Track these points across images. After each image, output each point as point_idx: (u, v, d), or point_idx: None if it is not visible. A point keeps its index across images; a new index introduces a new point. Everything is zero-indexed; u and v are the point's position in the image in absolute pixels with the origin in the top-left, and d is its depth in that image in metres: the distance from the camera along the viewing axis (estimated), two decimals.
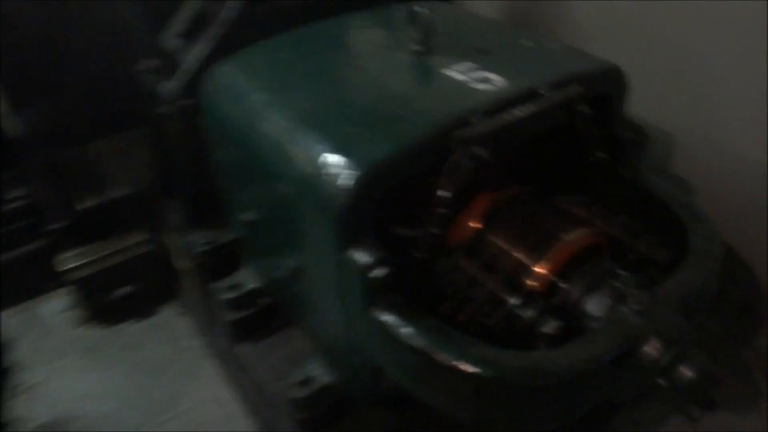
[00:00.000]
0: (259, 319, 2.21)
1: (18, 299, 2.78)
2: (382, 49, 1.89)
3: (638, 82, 1.75)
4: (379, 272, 1.40)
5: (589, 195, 1.77)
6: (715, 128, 2.33)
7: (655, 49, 2.41)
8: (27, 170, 2.70)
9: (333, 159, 1.43)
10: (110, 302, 2.68)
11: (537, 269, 1.50)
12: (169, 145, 2.32)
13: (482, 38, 1.86)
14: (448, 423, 1.69)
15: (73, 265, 2.59)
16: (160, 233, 2.70)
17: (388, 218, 1.55)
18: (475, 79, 1.62)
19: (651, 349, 1.32)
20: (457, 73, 1.65)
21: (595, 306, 1.44)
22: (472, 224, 1.63)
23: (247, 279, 2.20)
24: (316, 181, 1.44)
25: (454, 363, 1.30)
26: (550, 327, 1.39)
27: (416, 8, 1.72)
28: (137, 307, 2.73)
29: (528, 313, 1.42)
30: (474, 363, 1.30)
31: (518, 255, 1.54)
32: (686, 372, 1.29)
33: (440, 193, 1.46)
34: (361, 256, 1.40)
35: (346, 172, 1.39)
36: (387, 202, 1.44)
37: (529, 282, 1.50)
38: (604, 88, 1.71)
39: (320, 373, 1.88)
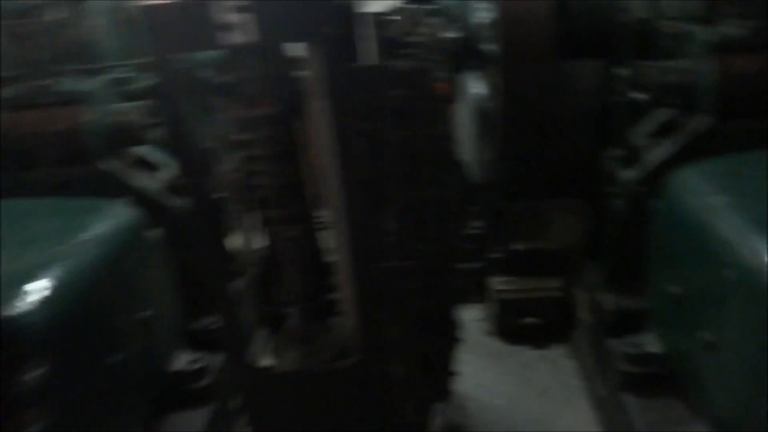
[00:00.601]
0: (651, 380, 2.58)
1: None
2: None
3: None
4: None
5: None
6: None
7: None
8: (483, 210, 3.57)
9: None
10: (517, 326, 3.34)
11: None
12: (615, 218, 2.88)
13: None
14: None
15: (500, 288, 3.33)
16: (574, 285, 3.28)
17: None
18: None
19: None
20: None
21: None
22: None
23: (650, 343, 2.60)
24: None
25: None
26: None
27: None
28: (535, 338, 3.34)
29: None
30: None
31: None
32: None
33: None
34: None
35: None
36: None
37: None
38: None
39: None
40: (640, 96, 2.71)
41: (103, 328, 2.18)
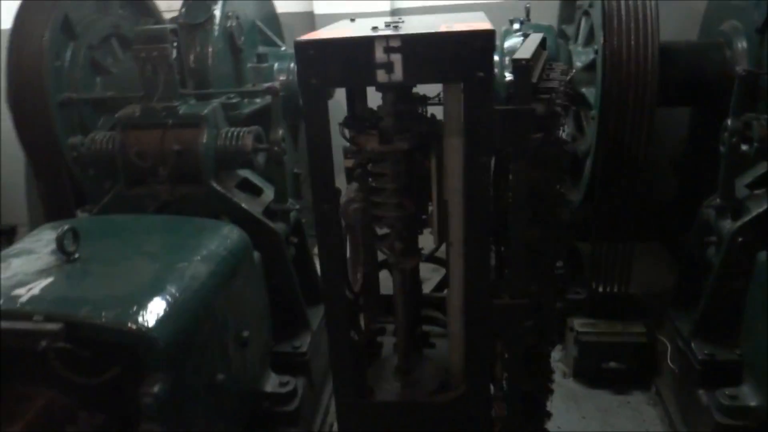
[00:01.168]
0: None
1: None
2: None
3: None
4: None
5: None
6: None
7: None
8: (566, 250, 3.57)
9: None
10: (597, 369, 3.30)
11: None
12: (711, 267, 2.85)
13: None
14: None
15: (582, 330, 3.31)
16: (657, 331, 3.23)
17: None
18: None
19: None
20: None
21: None
22: None
23: (747, 395, 2.54)
24: None
25: None
26: None
27: None
28: (615, 382, 3.29)
29: None
30: None
31: None
32: None
33: None
34: None
35: None
36: None
37: None
38: None
39: None
40: (744, 147, 2.69)
41: (215, 346, 2.26)
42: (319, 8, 4.52)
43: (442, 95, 2.15)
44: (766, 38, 3.12)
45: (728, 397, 2.58)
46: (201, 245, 2.38)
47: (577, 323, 3.35)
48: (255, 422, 2.66)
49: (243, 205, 2.84)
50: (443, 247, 2.11)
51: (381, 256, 2.43)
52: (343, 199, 2.03)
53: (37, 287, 2.02)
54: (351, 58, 1.68)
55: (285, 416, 2.72)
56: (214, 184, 2.82)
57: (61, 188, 3.46)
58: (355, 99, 2.20)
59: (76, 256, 2.19)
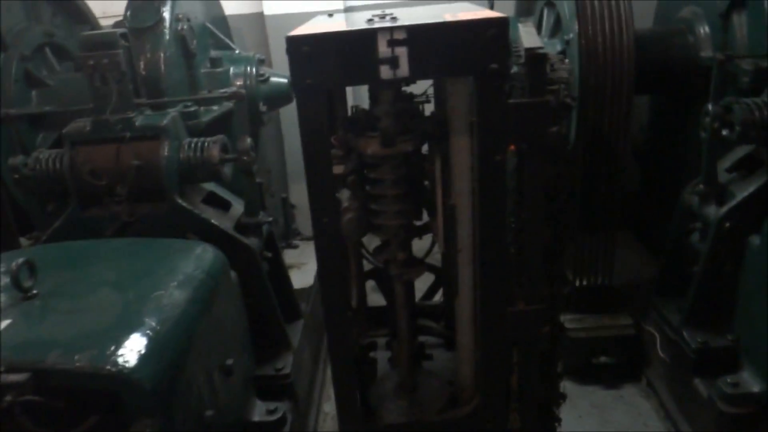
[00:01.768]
0: (751, 420, 2.49)
1: None
2: None
3: None
4: None
5: None
6: None
7: None
8: None
9: None
10: (588, 365, 3.24)
11: None
12: (697, 254, 2.82)
13: None
14: None
15: (570, 326, 3.23)
16: (644, 322, 3.19)
17: None
18: None
19: None
20: None
21: None
22: None
23: (751, 381, 2.52)
24: None
25: None
26: None
27: None
28: (607, 377, 3.23)
29: None
30: None
31: None
32: None
33: None
34: None
35: None
36: None
37: None
38: None
39: None
40: (725, 132, 2.67)
41: (201, 379, 2.04)
42: (269, 8, 4.30)
43: (430, 91, 2.01)
44: (731, 23, 3.13)
45: (730, 385, 2.55)
46: (175, 269, 2.15)
47: (564, 320, 3.27)
48: None
49: (213, 221, 2.61)
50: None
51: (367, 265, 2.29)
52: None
53: None
54: (351, 53, 1.51)
55: None
56: (179, 201, 2.58)
57: (2, 214, 3.13)
58: (335, 99, 2.03)
59: (35, 291, 1.93)
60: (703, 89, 3.24)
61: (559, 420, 2.26)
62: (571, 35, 2.99)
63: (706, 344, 2.76)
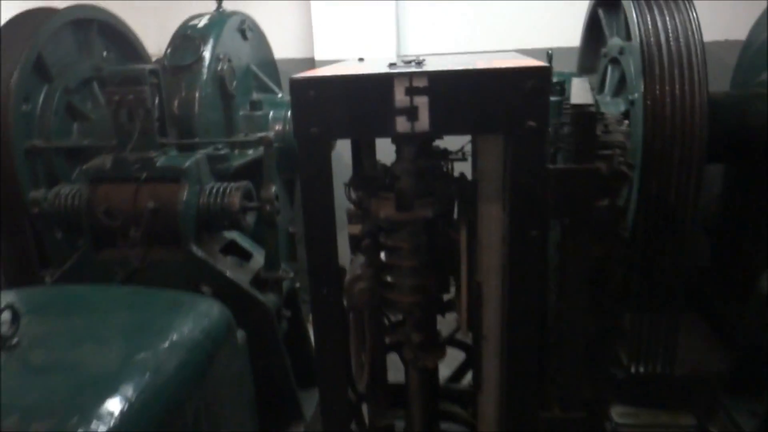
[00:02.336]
0: None
1: None
2: None
3: None
4: None
5: None
6: None
7: None
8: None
9: None
10: None
11: None
12: None
13: None
14: None
15: (621, 421, 2.84)
16: (710, 424, 2.77)
17: None
18: None
19: None
20: None
21: None
22: None
23: None
24: None
25: None
26: None
27: None
28: None
29: None
30: None
31: None
32: None
33: None
34: None
35: None
36: None
37: None
38: None
39: None
40: None
41: None
42: (320, 54, 4.21)
43: (467, 149, 1.77)
44: None
45: None
46: (171, 327, 1.94)
47: (615, 412, 2.88)
48: None
49: (227, 273, 2.42)
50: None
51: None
52: (347, 275, 1.62)
53: None
54: (363, 100, 1.30)
55: None
56: (194, 249, 2.41)
57: (24, 248, 3.04)
58: (362, 150, 1.81)
59: (15, 341, 1.76)
60: None
61: None
62: (636, 95, 2.70)
63: None
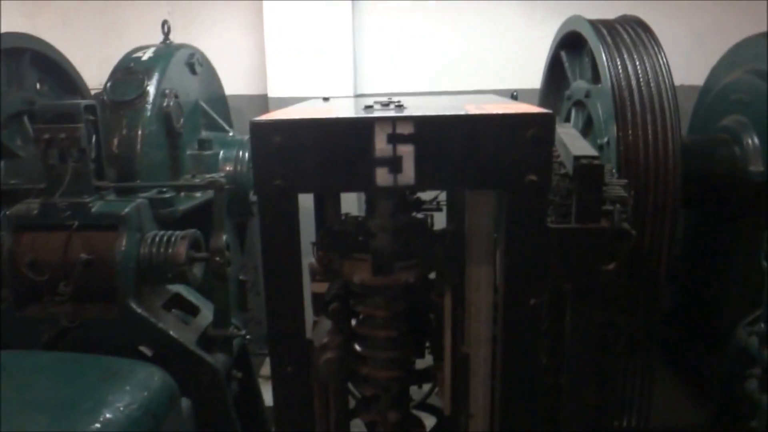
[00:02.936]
0: None
1: None
2: None
3: None
4: None
5: None
6: None
7: None
8: None
9: None
10: None
11: None
12: (758, 406, 2.31)
13: None
14: None
15: None
16: None
17: None
18: None
19: None
20: None
21: None
22: None
23: None
24: None
25: None
26: None
27: None
28: None
29: None
30: None
31: None
32: None
33: None
34: None
35: None
36: None
37: None
38: None
39: None
40: None
41: None
42: (274, 91, 4.02)
43: (442, 197, 1.60)
44: None
45: None
46: (103, 402, 1.67)
47: None
48: None
49: (171, 332, 2.16)
50: None
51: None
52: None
53: None
54: (338, 149, 1.11)
55: None
56: (133, 305, 2.14)
57: None
58: (326, 200, 1.62)
59: None
60: (750, 206, 2.85)
61: None
62: (606, 139, 2.62)
63: None
